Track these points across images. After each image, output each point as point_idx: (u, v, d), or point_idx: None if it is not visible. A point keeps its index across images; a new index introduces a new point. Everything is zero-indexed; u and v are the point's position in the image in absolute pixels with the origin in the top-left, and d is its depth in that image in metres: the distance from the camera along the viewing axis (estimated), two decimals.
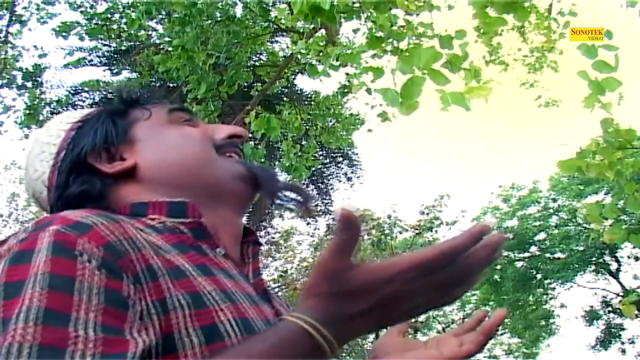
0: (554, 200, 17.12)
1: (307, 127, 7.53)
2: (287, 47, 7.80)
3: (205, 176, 0.83)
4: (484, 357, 19.85)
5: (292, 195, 0.86)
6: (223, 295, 0.68)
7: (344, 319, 0.56)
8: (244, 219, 0.91)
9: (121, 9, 6.53)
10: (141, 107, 0.91)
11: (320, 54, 4.54)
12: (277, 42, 8.61)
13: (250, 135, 4.99)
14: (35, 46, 8.20)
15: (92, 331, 0.54)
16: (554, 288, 18.32)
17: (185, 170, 0.83)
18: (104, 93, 9.43)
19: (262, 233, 11.74)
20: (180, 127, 0.88)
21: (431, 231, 11.83)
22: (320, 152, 9.77)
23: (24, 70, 7.86)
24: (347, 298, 0.55)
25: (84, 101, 9.79)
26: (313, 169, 7.73)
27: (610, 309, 18.18)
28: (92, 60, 9.59)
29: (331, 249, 0.55)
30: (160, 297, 0.62)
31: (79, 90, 9.62)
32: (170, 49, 5.52)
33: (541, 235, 17.38)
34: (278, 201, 0.86)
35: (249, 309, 0.69)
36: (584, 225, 15.55)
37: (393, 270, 0.55)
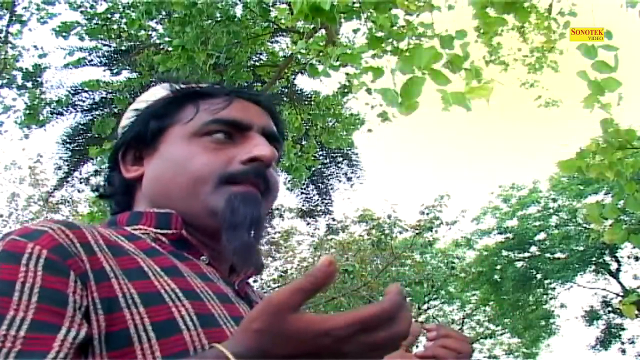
0: (554, 200, 17.11)
1: (307, 127, 7.52)
2: (287, 47, 7.79)
3: (183, 204, 0.83)
4: (484, 357, 19.84)
5: (244, 254, 0.82)
6: (187, 293, 0.71)
7: (268, 358, 0.56)
8: None
9: (121, 9, 6.53)
10: (194, 104, 0.88)
11: (320, 54, 4.54)
12: (277, 42, 8.60)
13: None
14: (35, 46, 8.17)
15: (23, 330, 0.59)
16: (554, 288, 18.31)
17: (168, 194, 0.84)
18: (104, 93, 9.43)
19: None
20: (198, 144, 0.84)
21: (431, 231, 11.82)
22: (320, 152, 9.76)
23: (24, 70, 7.85)
24: (278, 339, 0.55)
25: (84, 101, 9.78)
26: (313, 169, 7.73)
27: (610, 309, 18.18)
28: (92, 60, 9.58)
29: (289, 288, 0.55)
30: (110, 296, 0.66)
31: (79, 90, 9.61)
32: (170, 49, 5.51)
33: (541, 235, 17.37)
34: (229, 252, 0.82)
35: (218, 307, 0.73)
36: (584, 225, 15.55)
37: (329, 325, 0.55)
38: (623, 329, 18.24)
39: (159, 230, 0.81)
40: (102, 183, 0.91)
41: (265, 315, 0.55)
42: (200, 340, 0.67)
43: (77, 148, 9.88)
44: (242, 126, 0.86)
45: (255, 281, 11.05)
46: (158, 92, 0.93)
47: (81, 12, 6.98)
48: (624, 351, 17.99)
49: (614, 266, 17.67)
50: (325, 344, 0.55)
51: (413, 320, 0.65)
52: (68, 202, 11.05)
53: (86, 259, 0.67)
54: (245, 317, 0.58)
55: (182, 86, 0.93)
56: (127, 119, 0.92)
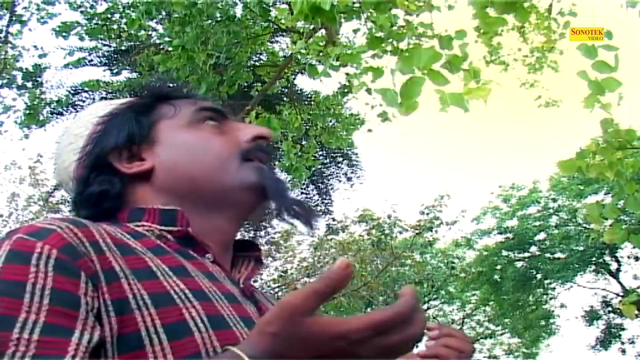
0: (554, 200, 17.11)
1: (307, 127, 7.52)
2: (287, 47, 7.79)
3: (212, 184, 0.83)
4: (484, 357, 19.84)
5: (298, 212, 0.86)
6: (196, 294, 0.70)
7: None
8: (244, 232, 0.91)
9: (121, 9, 6.53)
10: (169, 103, 0.90)
11: (320, 54, 4.54)
12: (277, 42, 8.62)
13: None
14: (35, 46, 8.18)
15: (36, 333, 0.57)
16: (554, 288, 18.32)
17: (194, 177, 0.84)
18: (104, 93, 9.43)
19: (262, 233, 11.73)
20: (202, 130, 0.87)
21: (431, 231, 11.82)
22: (320, 152, 9.77)
23: (24, 70, 7.85)
24: (294, 343, 0.55)
25: (84, 101, 9.78)
26: (313, 169, 7.73)
27: (610, 309, 18.19)
28: (92, 60, 9.60)
29: (305, 291, 0.55)
30: (120, 297, 0.65)
31: (79, 90, 9.62)
32: (170, 49, 5.52)
33: (541, 235, 17.37)
34: (283, 215, 0.86)
35: (227, 307, 0.72)
36: (584, 225, 15.55)
37: (346, 328, 0.55)
38: (623, 329, 18.25)
39: (163, 227, 0.80)
40: (96, 189, 0.85)
41: (281, 319, 0.55)
42: (211, 342, 0.66)
43: None
44: (222, 113, 0.91)
45: (255, 281, 11.03)
46: (105, 108, 0.92)
47: (81, 12, 6.98)
48: (624, 351, 17.99)
49: (614, 266, 17.67)
50: (341, 347, 0.55)
51: None
52: (68, 202, 11.03)
53: (96, 259, 0.66)
54: (261, 320, 0.57)
55: (153, 90, 0.95)
56: (96, 124, 0.89)
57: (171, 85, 1.00)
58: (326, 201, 11.49)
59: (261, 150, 0.88)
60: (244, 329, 0.71)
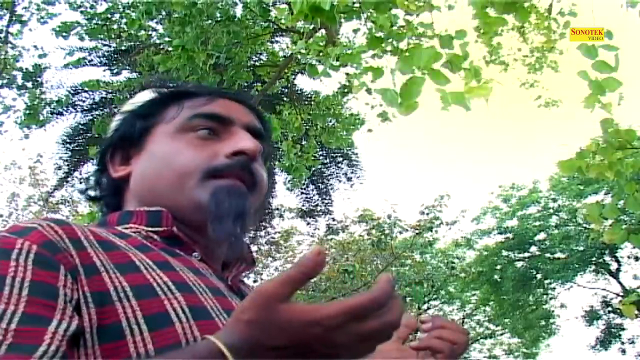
0: (554, 200, 17.10)
1: (307, 127, 7.52)
2: (287, 47, 7.79)
3: (170, 199, 0.84)
4: (484, 357, 19.84)
5: (231, 244, 0.85)
6: (179, 286, 0.72)
7: (261, 348, 0.55)
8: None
9: (121, 9, 6.52)
10: (179, 103, 0.90)
11: (320, 54, 4.54)
12: (277, 42, 8.60)
13: None
14: (35, 46, 8.15)
15: (14, 322, 0.59)
16: (554, 288, 18.30)
17: (155, 190, 0.85)
18: (104, 93, 9.43)
19: (262, 233, 11.73)
20: (182, 140, 0.86)
21: (431, 231, 11.81)
22: (320, 152, 9.76)
23: (24, 70, 7.83)
24: (269, 329, 0.55)
25: (84, 101, 9.78)
26: (313, 169, 7.72)
27: (610, 309, 18.18)
28: (92, 60, 9.57)
29: (280, 279, 0.56)
30: (101, 290, 0.67)
31: (79, 90, 9.60)
32: (170, 49, 5.52)
33: (541, 235, 17.36)
34: (220, 240, 0.84)
35: (210, 299, 0.73)
36: (584, 225, 15.54)
37: (320, 314, 0.55)
38: (623, 329, 18.23)
39: (150, 228, 0.82)
40: (91, 185, 0.92)
41: (256, 306, 0.55)
42: (192, 333, 0.67)
43: (77, 148, 9.88)
44: (224, 120, 0.88)
45: (255, 281, 11.04)
46: (144, 96, 0.95)
47: (81, 12, 6.97)
48: (624, 351, 17.98)
49: (614, 266, 17.66)
50: (317, 334, 0.54)
51: (412, 315, 0.65)
52: (68, 202, 11.05)
53: (75, 254, 0.68)
54: (237, 308, 0.58)
55: (167, 87, 0.96)
56: (114, 122, 0.94)
57: (195, 84, 1.02)
58: (326, 201, 11.48)
59: (239, 167, 0.84)
60: (226, 320, 0.71)
